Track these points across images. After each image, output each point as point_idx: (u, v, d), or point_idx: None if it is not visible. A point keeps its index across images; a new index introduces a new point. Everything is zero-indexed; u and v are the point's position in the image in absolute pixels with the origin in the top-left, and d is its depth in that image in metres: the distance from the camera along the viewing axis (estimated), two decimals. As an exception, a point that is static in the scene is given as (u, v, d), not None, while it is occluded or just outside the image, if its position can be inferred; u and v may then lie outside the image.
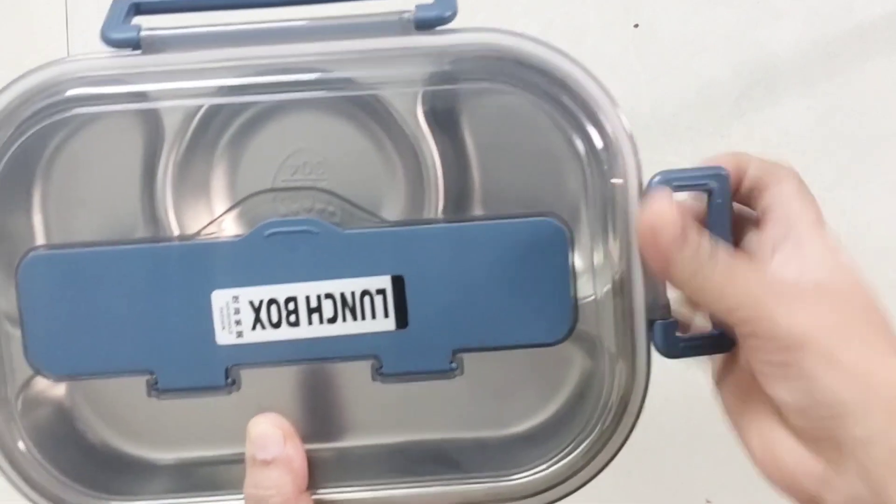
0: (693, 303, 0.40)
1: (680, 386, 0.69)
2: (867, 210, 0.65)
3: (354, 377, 0.41)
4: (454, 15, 0.39)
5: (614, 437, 0.41)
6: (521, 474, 0.41)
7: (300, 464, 0.40)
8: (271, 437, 0.40)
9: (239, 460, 0.40)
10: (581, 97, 0.39)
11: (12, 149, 0.40)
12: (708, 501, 0.68)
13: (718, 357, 0.40)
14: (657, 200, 0.36)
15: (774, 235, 0.37)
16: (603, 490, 0.74)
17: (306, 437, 0.41)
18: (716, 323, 0.39)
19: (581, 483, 0.42)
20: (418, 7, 0.39)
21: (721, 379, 0.40)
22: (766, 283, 0.35)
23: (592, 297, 0.40)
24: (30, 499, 0.41)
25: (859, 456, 0.33)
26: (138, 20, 0.41)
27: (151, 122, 0.41)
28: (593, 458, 0.42)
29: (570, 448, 0.41)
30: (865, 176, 0.65)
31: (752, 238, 0.38)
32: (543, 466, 0.41)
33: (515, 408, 0.42)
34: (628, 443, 0.71)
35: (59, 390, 0.42)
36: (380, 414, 0.42)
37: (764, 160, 0.39)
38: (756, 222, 0.39)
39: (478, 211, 0.41)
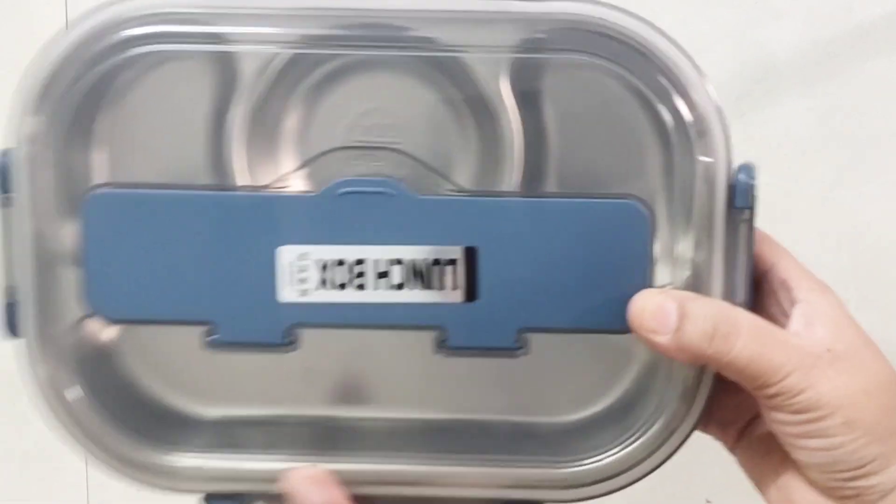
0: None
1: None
2: (867, 210, 0.65)
3: (415, 348, 0.40)
4: None
5: (679, 429, 0.40)
6: (577, 462, 0.40)
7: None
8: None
9: (286, 422, 0.41)
10: (671, 71, 0.38)
11: (80, 84, 0.39)
12: (708, 501, 0.68)
13: (736, 419, 0.41)
14: (637, 299, 0.37)
15: (780, 301, 0.38)
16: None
17: (359, 405, 0.41)
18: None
19: (634, 478, 0.41)
20: None
21: (739, 437, 0.41)
22: (789, 351, 0.36)
23: (670, 286, 0.39)
24: (77, 440, 0.41)
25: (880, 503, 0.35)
26: None
27: (226, 67, 0.40)
28: (653, 451, 0.41)
29: (627, 440, 0.40)
30: (865, 176, 0.65)
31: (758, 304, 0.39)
32: (599, 456, 0.40)
33: (574, 394, 0.42)
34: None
35: (107, 335, 0.41)
36: (438, 388, 0.42)
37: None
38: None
39: (553, 187, 0.40)
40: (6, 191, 0.39)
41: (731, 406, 0.40)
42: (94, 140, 0.40)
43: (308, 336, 0.40)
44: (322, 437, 0.42)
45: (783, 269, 0.38)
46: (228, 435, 0.42)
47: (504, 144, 0.40)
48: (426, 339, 0.40)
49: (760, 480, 0.39)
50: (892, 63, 0.65)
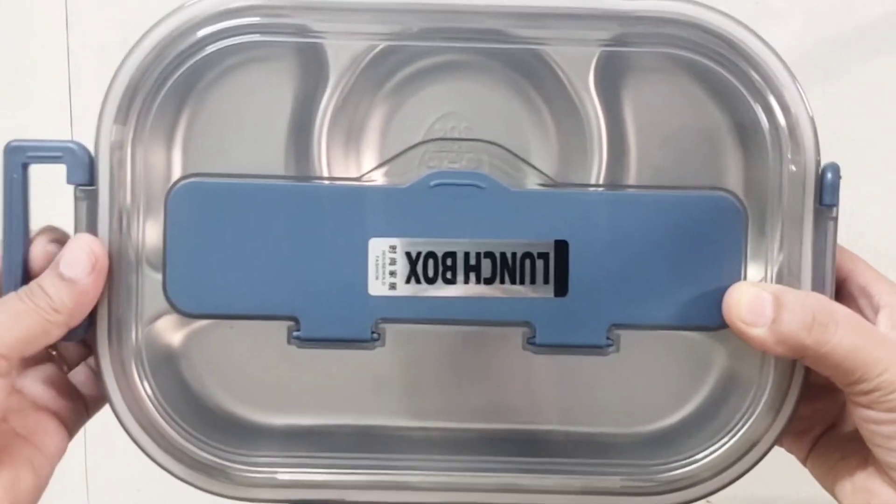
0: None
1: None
2: (867, 210, 0.65)
3: (503, 345, 0.40)
4: None
5: (766, 435, 0.40)
6: (660, 469, 0.40)
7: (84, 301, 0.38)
8: (82, 262, 0.37)
9: (356, 431, 0.40)
10: (765, 71, 0.38)
11: (163, 89, 0.39)
12: (708, 501, 0.68)
13: (811, 429, 0.41)
14: (732, 291, 0.37)
15: (862, 307, 0.38)
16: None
17: (444, 413, 0.41)
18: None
19: (720, 485, 0.41)
20: None
21: (813, 446, 0.41)
22: (889, 347, 0.35)
23: (762, 281, 0.39)
24: (150, 436, 0.41)
25: None
26: None
27: (314, 60, 0.39)
28: (737, 460, 0.40)
29: (710, 448, 0.40)
30: (865, 176, 0.65)
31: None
32: (680, 464, 0.40)
33: (661, 399, 0.41)
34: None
35: (177, 338, 0.41)
36: (527, 389, 0.41)
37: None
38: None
39: (636, 181, 0.40)
40: (92, 183, 0.39)
41: (808, 416, 0.40)
42: (177, 137, 0.40)
43: (393, 332, 0.40)
44: (394, 446, 0.41)
45: (861, 276, 0.38)
46: (299, 443, 0.41)
47: (590, 138, 0.39)
48: (515, 334, 0.40)
49: (835, 485, 0.39)
50: (892, 63, 0.65)
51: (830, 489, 0.39)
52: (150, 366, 0.40)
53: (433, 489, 0.39)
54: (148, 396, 0.40)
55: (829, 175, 0.39)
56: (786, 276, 0.38)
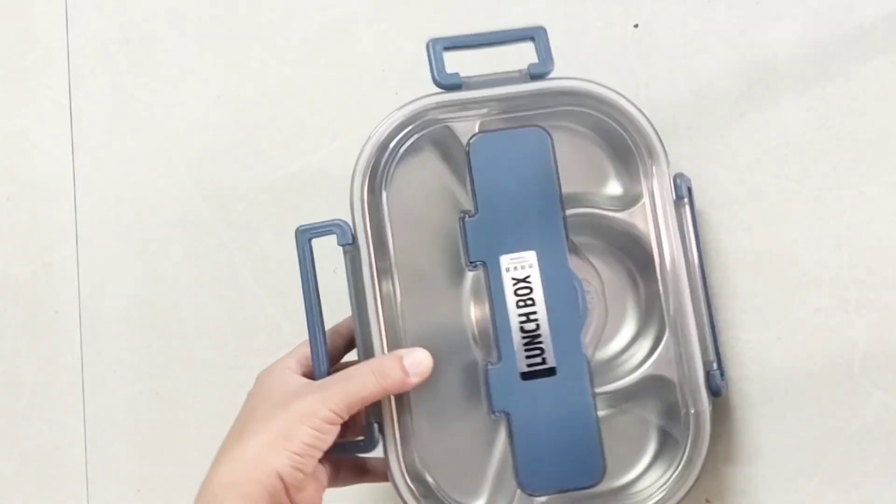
0: None
1: (680, 386, 0.69)
2: (867, 210, 0.65)
3: None
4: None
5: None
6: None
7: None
8: (426, 368, 0.58)
9: None
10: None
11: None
12: (708, 501, 0.68)
13: None
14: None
15: None
16: (603, 490, 0.74)
17: None
18: None
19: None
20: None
21: None
22: None
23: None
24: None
25: None
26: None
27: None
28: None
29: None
30: (865, 176, 0.65)
31: None
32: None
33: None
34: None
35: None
36: None
37: None
38: None
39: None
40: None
41: None
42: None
43: None
44: None
45: None
46: None
47: None
48: None
49: None
50: (891, 63, 0.65)
51: None
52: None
53: None
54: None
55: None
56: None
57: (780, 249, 0.66)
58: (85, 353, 0.81)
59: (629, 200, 0.63)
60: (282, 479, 0.54)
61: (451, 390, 0.61)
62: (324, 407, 0.55)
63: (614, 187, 0.64)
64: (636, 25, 0.69)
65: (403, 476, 0.60)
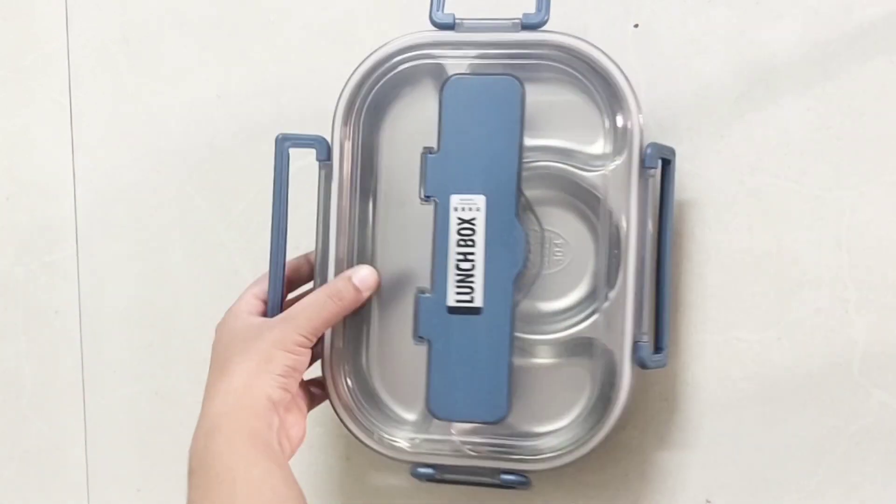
0: None
1: (678, 387, 0.69)
2: (867, 210, 0.65)
3: None
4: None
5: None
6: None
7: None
8: (372, 282, 0.63)
9: None
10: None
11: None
12: (708, 501, 0.68)
13: None
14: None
15: None
16: (604, 490, 0.74)
17: None
18: None
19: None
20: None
21: None
22: None
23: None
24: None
25: None
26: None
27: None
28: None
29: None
30: (865, 176, 0.65)
31: None
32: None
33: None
34: (627, 444, 0.71)
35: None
36: None
37: None
38: None
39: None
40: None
41: None
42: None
43: None
44: None
45: None
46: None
47: None
48: None
49: None
50: (891, 63, 0.65)
51: None
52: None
53: None
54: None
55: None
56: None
57: (780, 249, 0.66)
58: (85, 352, 0.81)
59: (602, 162, 0.63)
60: (271, 400, 0.58)
61: (404, 314, 0.65)
62: (294, 332, 0.59)
63: (594, 146, 0.64)
64: (636, 25, 0.69)
65: (335, 376, 0.65)
